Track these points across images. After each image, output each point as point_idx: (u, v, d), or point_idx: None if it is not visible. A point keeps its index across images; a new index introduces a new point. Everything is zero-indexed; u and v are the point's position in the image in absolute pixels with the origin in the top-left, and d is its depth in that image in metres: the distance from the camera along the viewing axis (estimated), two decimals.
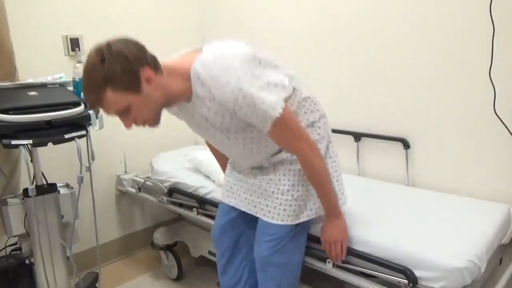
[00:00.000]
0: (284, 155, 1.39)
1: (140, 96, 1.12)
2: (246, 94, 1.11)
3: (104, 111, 1.15)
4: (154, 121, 1.21)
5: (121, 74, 1.08)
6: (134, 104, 1.13)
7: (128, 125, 1.17)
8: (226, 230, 1.55)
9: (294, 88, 1.31)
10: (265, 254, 1.38)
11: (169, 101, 1.22)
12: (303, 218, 1.39)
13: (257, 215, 1.44)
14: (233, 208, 1.53)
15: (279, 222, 1.38)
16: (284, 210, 1.38)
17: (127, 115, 1.15)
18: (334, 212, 1.39)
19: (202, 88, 1.17)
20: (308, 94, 1.38)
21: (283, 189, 1.39)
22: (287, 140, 1.26)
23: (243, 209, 1.49)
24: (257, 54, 1.19)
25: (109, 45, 1.11)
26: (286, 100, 1.24)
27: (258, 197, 1.44)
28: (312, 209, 1.41)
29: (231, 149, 1.38)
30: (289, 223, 1.38)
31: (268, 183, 1.42)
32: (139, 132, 2.49)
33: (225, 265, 1.57)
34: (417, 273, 1.23)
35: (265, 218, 1.41)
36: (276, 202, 1.39)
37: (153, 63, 1.15)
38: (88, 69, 1.10)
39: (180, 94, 1.21)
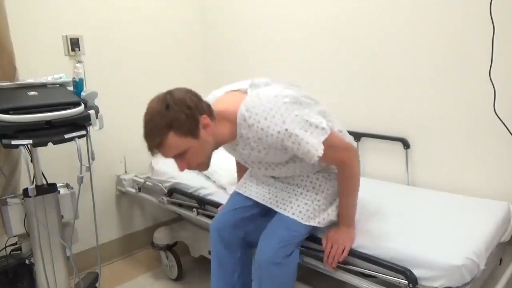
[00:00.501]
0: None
1: (197, 142, 1.22)
2: (291, 134, 1.21)
3: (163, 154, 1.24)
4: (205, 164, 1.31)
5: (185, 120, 1.18)
6: (191, 148, 1.22)
7: (182, 168, 1.27)
8: (229, 220, 1.55)
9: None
10: (271, 250, 1.37)
11: (219, 145, 1.32)
12: (314, 223, 1.41)
13: (271, 206, 1.47)
14: (244, 200, 1.56)
15: (290, 215, 1.41)
16: (298, 205, 1.41)
17: (182, 159, 1.25)
18: (348, 222, 1.41)
19: (249, 130, 1.26)
20: (341, 127, 1.44)
21: (303, 188, 1.44)
22: (333, 156, 1.32)
23: (257, 200, 1.52)
24: (298, 95, 1.27)
25: (171, 94, 1.21)
26: None
27: (276, 191, 1.49)
28: (325, 219, 1.43)
29: (267, 172, 1.44)
30: (298, 219, 1.40)
31: (289, 183, 1.47)
32: (139, 131, 2.50)
33: (219, 259, 1.56)
34: (417, 272, 1.23)
35: (277, 209, 1.44)
36: (293, 198, 1.43)
37: (209, 111, 1.25)
38: (152, 115, 1.20)
39: (228, 137, 1.31)
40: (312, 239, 1.47)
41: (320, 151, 1.23)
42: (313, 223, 1.40)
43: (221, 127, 1.28)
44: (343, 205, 1.41)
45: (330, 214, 1.44)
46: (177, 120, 1.17)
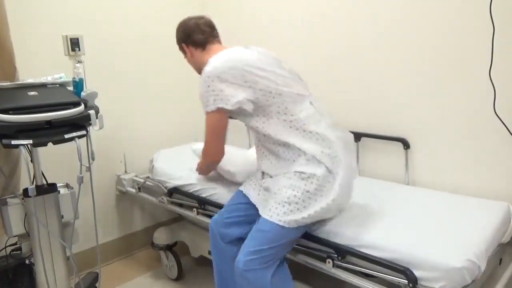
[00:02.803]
0: (286, 155, 1.46)
1: (186, 56, 1.70)
2: (207, 84, 1.45)
3: None
4: (197, 71, 1.69)
5: (178, 39, 1.70)
6: (185, 56, 1.71)
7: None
8: (225, 216, 1.59)
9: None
10: (244, 257, 1.38)
11: (198, 69, 1.64)
12: (292, 225, 1.39)
13: (258, 206, 1.51)
14: (243, 197, 1.60)
15: (267, 217, 1.41)
16: (276, 208, 1.41)
17: None
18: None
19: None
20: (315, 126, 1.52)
21: (280, 189, 1.44)
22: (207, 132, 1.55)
23: (251, 199, 1.56)
24: (248, 69, 1.46)
25: (195, 18, 1.68)
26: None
27: (263, 195, 1.53)
28: (307, 217, 1.40)
29: None
30: (274, 220, 1.39)
31: (271, 183, 1.49)
32: (139, 131, 2.50)
33: (216, 245, 1.60)
34: (417, 273, 1.23)
35: (259, 209, 1.49)
36: (272, 198, 1.45)
37: (195, 43, 1.64)
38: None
39: (201, 65, 1.60)
40: (312, 239, 1.47)
41: (207, 109, 1.47)
42: (290, 224, 1.38)
43: (203, 56, 1.62)
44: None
45: (311, 214, 1.39)
46: (176, 36, 1.69)
